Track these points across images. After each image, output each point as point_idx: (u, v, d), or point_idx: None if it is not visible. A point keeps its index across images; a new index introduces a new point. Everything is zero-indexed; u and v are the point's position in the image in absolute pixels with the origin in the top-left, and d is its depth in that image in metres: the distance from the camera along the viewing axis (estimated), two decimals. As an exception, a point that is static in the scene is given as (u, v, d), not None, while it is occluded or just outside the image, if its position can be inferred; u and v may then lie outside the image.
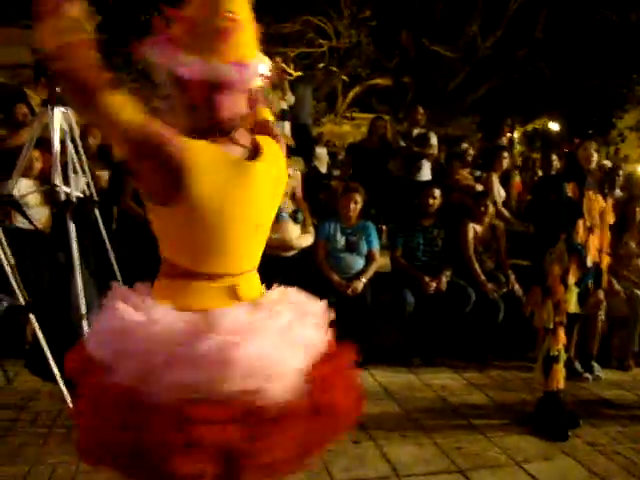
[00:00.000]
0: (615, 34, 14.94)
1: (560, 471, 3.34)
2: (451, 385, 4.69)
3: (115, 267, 4.47)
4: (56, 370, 3.60)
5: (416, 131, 7.05)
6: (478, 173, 6.95)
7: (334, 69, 17.75)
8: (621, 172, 6.41)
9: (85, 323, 3.71)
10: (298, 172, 5.50)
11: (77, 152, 4.20)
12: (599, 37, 15.04)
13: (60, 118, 3.95)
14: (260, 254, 1.87)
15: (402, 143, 6.97)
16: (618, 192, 6.11)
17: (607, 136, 18.91)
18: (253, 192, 1.74)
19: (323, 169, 8.59)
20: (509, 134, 7.98)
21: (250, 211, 1.75)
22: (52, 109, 3.91)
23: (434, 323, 5.24)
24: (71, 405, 3.64)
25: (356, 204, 5.22)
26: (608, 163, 7.22)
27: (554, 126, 20.28)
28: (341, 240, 5.20)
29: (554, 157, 6.85)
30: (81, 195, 4.18)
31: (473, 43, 15.88)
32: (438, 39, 15.74)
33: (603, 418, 4.15)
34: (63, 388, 3.57)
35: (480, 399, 4.45)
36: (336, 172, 8.83)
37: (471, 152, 7.40)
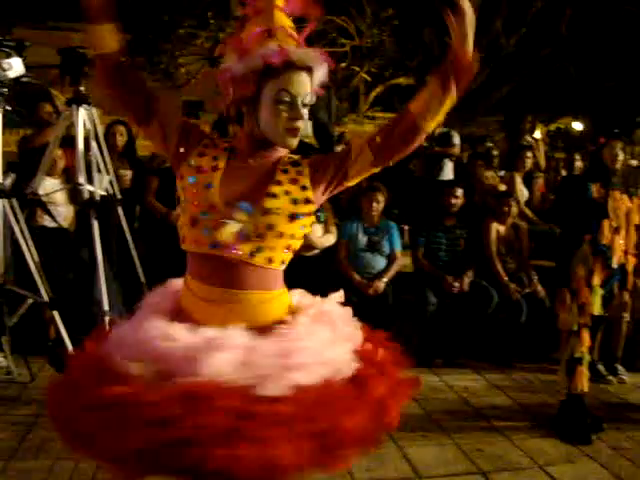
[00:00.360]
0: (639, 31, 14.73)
1: (583, 475, 3.30)
2: (473, 386, 4.66)
3: (138, 265, 4.49)
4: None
5: (438, 130, 7.01)
6: (502, 173, 6.89)
7: (356, 68, 17.72)
8: (645, 172, 6.31)
9: (107, 320, 3.74)
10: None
11: (101, 151, 4.24)
12: (624, 35, 14.84)
13: (84, 117, 3.99)
14: None
15: (424, 143, 6.92)
16: (644, 192, 6.02)
17: (632, 135, 18.68)
18: None
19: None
20: (533, 135, 7.90)
21: None
22: (77, 108, 3.95)
23: (456, 324, 5.21)
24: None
25: (378, 204, 5.21)
26: (634, 162, 7.11)
27: (577, 126, 20.10)
28: (363, 240, 5.19)
29: (577, 157, 6.77)
30: (105, 194, 4.22)
31: (496, 41, 15.75)
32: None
33: (627, 422, 4.08)
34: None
35: (502, 401, 4.41)
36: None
37: (495, 152, 7.34)
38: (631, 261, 4.08)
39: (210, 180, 1.75)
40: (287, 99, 1.74)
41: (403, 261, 5.38)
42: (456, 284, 5.18)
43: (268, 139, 1.80)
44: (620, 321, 5.01)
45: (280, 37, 1.75)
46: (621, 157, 4.40)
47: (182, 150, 1.81)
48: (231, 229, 1.70)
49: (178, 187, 1.81)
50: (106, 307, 3.78)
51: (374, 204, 5.19)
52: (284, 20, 1.80)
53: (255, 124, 1.79)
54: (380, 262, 5.17)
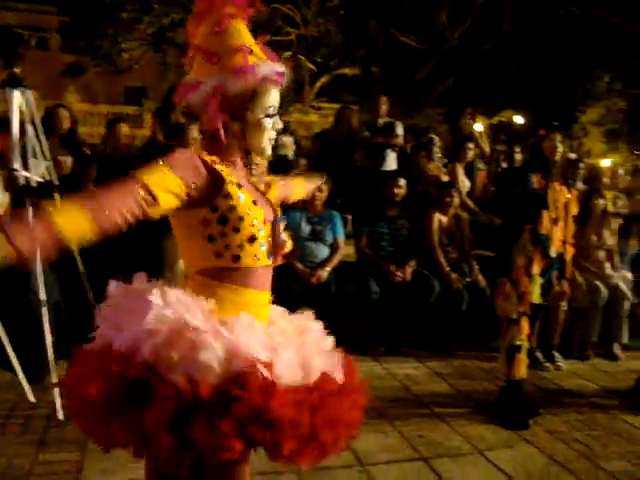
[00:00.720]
0: (578, 30, 15.13)
1: (521, 458, 3.38)
2: (415, 374, 4.72)
3: (76, 254, 4.37)
4: (14, 360, 3.52)
5: (382, 121, 7.03)
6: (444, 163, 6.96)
7: (302, 58, 17.66)
8: (582, 165, 6.48)
9: (45, 310, 3.63)
10: (264, 161, 5.45)
11: (37, 136, 4.09)
12: (563, 32, 15.22)
13: (19, 100, 3.84)
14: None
15: (366, 133, 6.94)
16: (580, 185, 6.18)
17: (570, 130, 19.19)
18: None
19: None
20: (474, 126, 8.00)
21: None
22: (11, 91, 3.80)
23: (398, 312, 5.26)
24: (31, 398, 3.57)
25: (321, 193, 5.20)
26: (573, 155, 7.30)
27: (519, 119, 20.50)
28: (306, 229, 5.18)
29: (517, 149, 6.90)
30: (42, 180, 4.09)
31: (441, 34, 15.94)
32: (407, 29, 15.75)
33: (563, 406, 4.21)
34: (21, 378, 3.50)
35: (443, 388, 4.48)
36: (303, 161, 8.75)
37: (438, 143, 7.41)
38: (569, 251, 4.19)
39: (250, 195, 1.79)
40: (273, 112, 1.84)
41: (346, 250, 5.39)
42: (398, 273, 5.22)
43: (248, 150, 1.87)
44: (558, 309, 5.14)
45: (257, 53, 1.81)
46: (560, 149, 4.50)
47: (195, 184, 1.67)
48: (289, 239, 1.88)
49: (221, 209, 1.72)
50: (42, 296, 3.67)
51: (317, 193, 5.17)
52: (247, 31, 1.84)
53: (242, 137, 1.82)
54: (323, 251, 5.17)
